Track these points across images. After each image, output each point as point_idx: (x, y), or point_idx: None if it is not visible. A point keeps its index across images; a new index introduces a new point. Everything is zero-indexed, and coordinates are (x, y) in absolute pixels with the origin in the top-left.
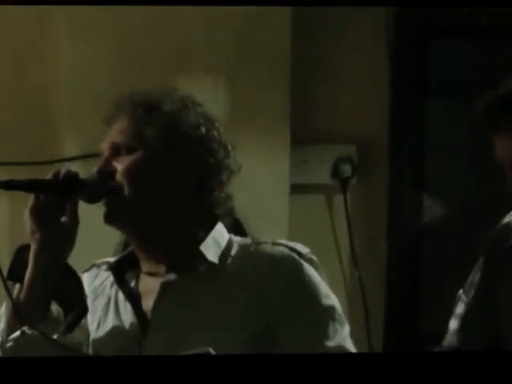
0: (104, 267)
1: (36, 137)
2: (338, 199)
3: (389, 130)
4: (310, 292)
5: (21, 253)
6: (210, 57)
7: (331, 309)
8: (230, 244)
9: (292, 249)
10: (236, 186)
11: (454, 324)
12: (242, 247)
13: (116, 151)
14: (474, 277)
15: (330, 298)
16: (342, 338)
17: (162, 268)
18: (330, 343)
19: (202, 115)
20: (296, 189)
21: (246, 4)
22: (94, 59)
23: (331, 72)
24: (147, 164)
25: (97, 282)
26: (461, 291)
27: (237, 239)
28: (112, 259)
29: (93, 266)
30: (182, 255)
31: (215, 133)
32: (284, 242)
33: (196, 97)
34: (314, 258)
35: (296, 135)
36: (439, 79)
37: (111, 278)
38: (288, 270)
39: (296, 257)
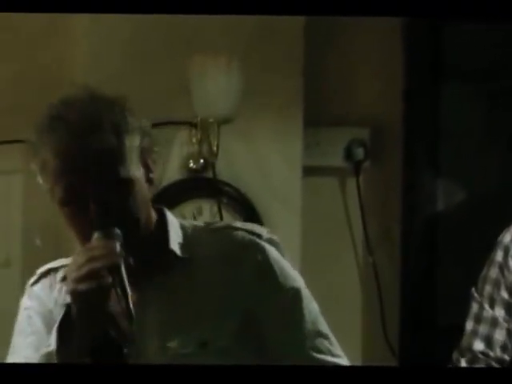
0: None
1: None
2: (351, 182)
3: (402, 114)
4: (276, 275)
5: None
6: (224, 38)
7: (299, 289)
8: (185, 230)
9: (251, 232)
10: (249, 168)
11: (470, 325)
12: (197, 232)
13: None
14: (488, 271)
15: (296, 278)
16: (315, 315)
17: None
18: (307, 324)
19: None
20: (309, 171)
21: (259, 13)
22: (108, 38)
23: (345, 55)
24: None
25: (56, 293)
26: (473, 289)
27: (187, 223)
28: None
29: (44, 275)
30: (153, 255)
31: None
32: (239, 224)
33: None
34: (273, 236)
35: (309, 118)
36: (453, 63)
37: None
38: (252, 255)
39: (257, 240)
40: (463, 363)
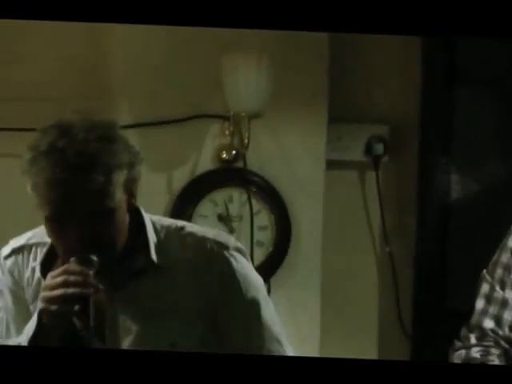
0: (44, 245)
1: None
2: (370, 176)
3: (419, 112)
4: (240, 286)
5: None
6: (255, 38)
7: (259, 297)
8: (158, 234)
9: (219, 243)
10: (276, 160)
11: (480, 304)
12: (168, 236)
13: None
14: (499, 256)
15: (256, 286)
16: (272, 321)
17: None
18: (264, 330)
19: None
20: (331, 165)
21: (283, 29)
22: (145, 35)
23: (368, 57)
24: None
25: (28, 272)
26: (484, 271)
27: (158, 225)
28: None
29: (17, 251)
30: (131, 261)
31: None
32: (209, 234)
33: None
34: (239, 245)
35: (332, 113)
36: (468, 65)
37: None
38: (218, 267)
39: (224, 252)
40: (472, 339)
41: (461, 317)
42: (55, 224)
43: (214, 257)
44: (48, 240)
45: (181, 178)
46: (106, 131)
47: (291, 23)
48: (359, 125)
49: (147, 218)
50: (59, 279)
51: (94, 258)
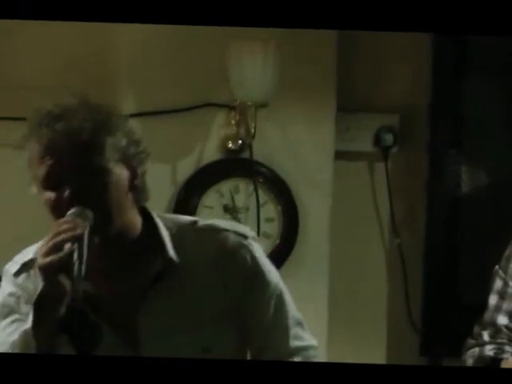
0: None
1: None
2: (379, 167)
3: (429, 102)
4: (264, 273)
5: None
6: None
7: (281, 283)
8: (170, 231)
9: (236, 233)
10: (284, 150)
11: (493, 300)
12: (181, 232)
13: None
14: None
15: (276, 273)
16: (293, 305)
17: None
18: (290, 317)
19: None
20: (339, 155)
21: (290, 27)
22: (150, 27)
23: (376, 46)
24: None
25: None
26: (497, 267)
27: (169, 222)
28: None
29: (26, 265)
30: (148, 262)
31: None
32: (223, 225)
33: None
34: (254, 233)
35: (341, 103)
36: (477, 55)
37: None
38: (241, 257)
39: (243, 241)
40: (485, 336)
41: (472, 310)
42: (49, 189)
43: (235, 248)
44: None
45: (186, 168)
46: (102, 106)
47: (300, 21)
48: (368, 115)
49: (156, 216)
50: (50, 234)
51: (89, 212)
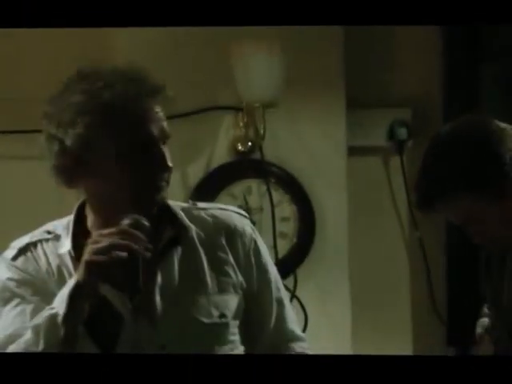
0: (48, 241)
1: None
2: (395, 161)
3: (443, 94)
4: (265, 253)
5: None
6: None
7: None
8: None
9: (237, 212)
10: (295, 149)
11: None
12: (185, 211)
13: None
14: None
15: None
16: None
17: None
18: (286, 298)
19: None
20: (354, 151)
21: (298, 24)
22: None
23: (387, 39)
24: None
25: (44, 265)
26: None
27: (175, 204)
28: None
29: (23, 250)
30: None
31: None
32: (226, 207)
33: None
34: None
35: (353, 99)
36: (491, 46)
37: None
38: (248, 232)
39: (246, 219)
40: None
41: None
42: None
43: (241, 222)
44: (51, 234)
45: (196, 172)
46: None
47: (306, 18)
48: (381, 109)
49: None
50: (113, 230)
51: (146, 223)
